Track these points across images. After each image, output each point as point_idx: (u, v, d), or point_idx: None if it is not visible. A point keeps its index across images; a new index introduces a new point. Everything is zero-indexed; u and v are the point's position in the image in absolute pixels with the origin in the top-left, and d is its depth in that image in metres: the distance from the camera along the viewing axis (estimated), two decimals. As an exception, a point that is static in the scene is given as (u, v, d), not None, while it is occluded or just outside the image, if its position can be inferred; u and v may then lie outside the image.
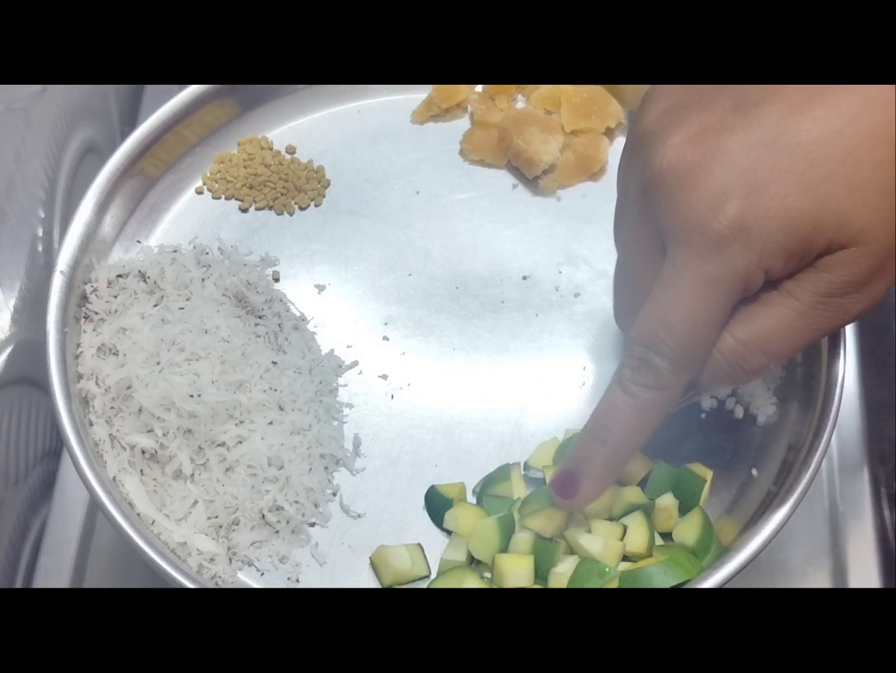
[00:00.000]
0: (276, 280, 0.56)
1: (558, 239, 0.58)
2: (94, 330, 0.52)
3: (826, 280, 0.42)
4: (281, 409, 0.51)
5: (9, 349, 0.59)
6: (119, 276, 0.53)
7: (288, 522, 0.50)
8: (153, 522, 0.49)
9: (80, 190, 0.57)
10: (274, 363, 0.51)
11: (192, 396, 0.48)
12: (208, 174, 0.59)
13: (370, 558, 0.50)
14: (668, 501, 0.49)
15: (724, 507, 0.51)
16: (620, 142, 0.60)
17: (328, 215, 0.59)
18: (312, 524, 0.51)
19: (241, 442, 0.50)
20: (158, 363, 0.49)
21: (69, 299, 0.51)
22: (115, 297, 0.53)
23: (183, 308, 0.51)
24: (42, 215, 0.64)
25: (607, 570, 0.47)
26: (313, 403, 0.52)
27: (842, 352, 0.51)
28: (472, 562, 0.49)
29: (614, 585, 0.47)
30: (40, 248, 0.64)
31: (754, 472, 0.51)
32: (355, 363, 0.54)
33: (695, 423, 0.53)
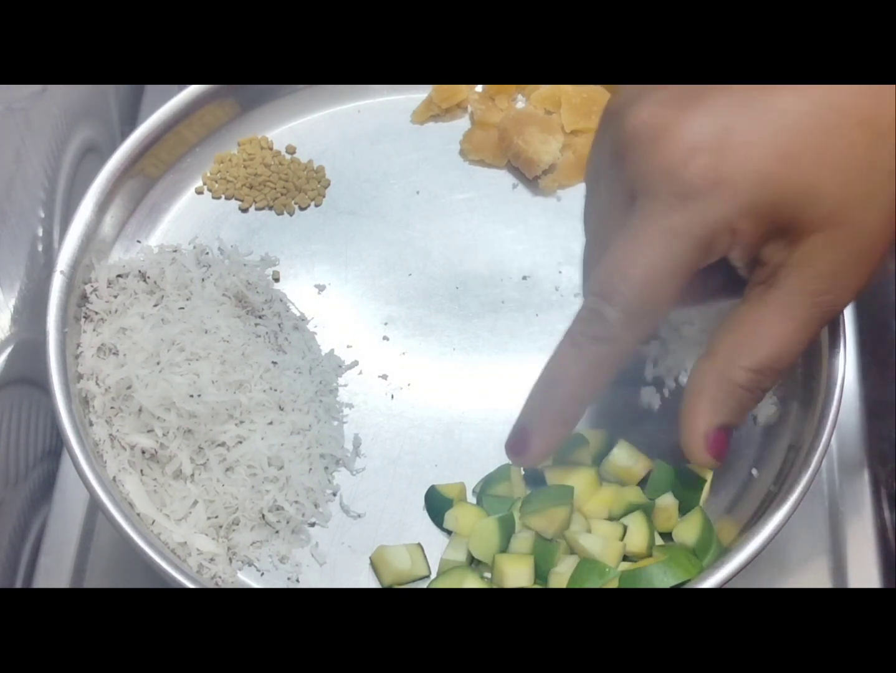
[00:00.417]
0: (276, 280, 0.56)
1: (558, 239, 0.58)
2: (94, 330, 0.52)
3: (810, 275, 0.41)
4: (281, 409, 0.51)
5: (9, 349, 0.59)
6: (119, 276, 0.53)
7: (288, 522, 0.50)
8: (153, 522, 0.49)
9: (80, 190, 0.57)
10: (274, 363, 0.52)
11: (192, 396, 0.48)
12: (208, 174, 0.59)
13: (370, 558, 0.50)
14: (668, 501, 0.49)
15: (724, 507, 0.51)
16: (620, 142, 0.60)
17: (328, 215, 0.59)
18: (312, 524, 0.51)
19: (241, 442, 0.50)
20: (158, 363, 0.49)
21: (69, 299, 0.51)
22: (115, 297, 0.53)
23: (183, 308, 0.51)
24: (42, 215, 0.64)
25: (607, 570, 0.47)
26: (313, 403, 0.52)
27: (842, 352, 0.51)
28: (472, 562, 0.49)
29: (614, 585, 0.47)
30: (40, 248, 0.64)
31: (754, 472, 0.51)
32: (355, 363, 0.54)
33: (695, 423, 0.53)
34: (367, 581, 0.50)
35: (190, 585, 0.46)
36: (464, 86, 0.61)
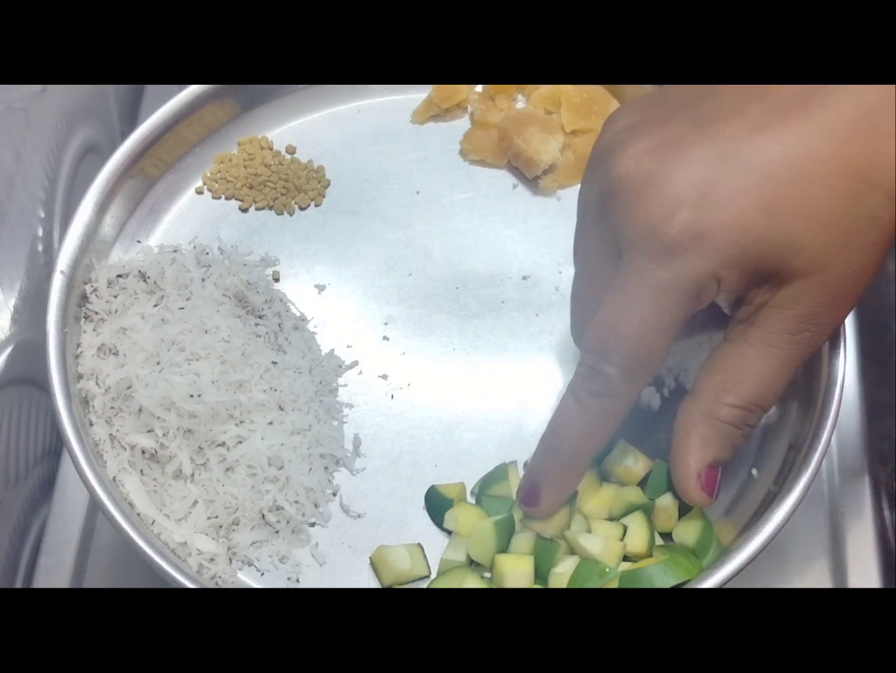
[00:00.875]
0: (276, 280, 0.56)
1: (558, 239, 0.58)
2: (94, 330, 0.52)
3: (792, 316, 0.42)
4: (281, 409, 0.51)
5: (9, 349, 0.59)
6: (119, 276, 0.53)
7: (288, 522, 0.50)
8: (153, 522, 0.49)
9: (80, 190, 0.57)
10: (274, 363, 0.52)
11: (192, 396, 0.49)
12: (208, 174, 0.59)
13: (370, 558, 0.50)
14: (668, 501, 0.49)
15: (723, 507, 0.51)
16: (620, 142, 0.60)
17: (328, 215, 0.59)
18: (312, 524, 0.51)
19: (241, 442, 0.50)
20: (158, 363, 0.49)
21: (69, 299, 0.51)
22: (116, 297, 0.53)
23: (183, 308, 0.51)
24: (42, 215, 0.64)
25: (607, 570, 0.47)
26: (313, 403, 0.52)
27: (842, 352, 0.51)
28: (472, 562, 0.49)
29: (614, 585, 0.47)
30: (40, 247, 0.64)
31: (754, 472, 0.51)
32: (355, 363, 0.54)
33: (695, 423, 0.53)
34: (367, 581, 0.50)
35: (190, 585, 0.46)
36: (464, 86, 0.61)
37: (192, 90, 0.57)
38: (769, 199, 0.41)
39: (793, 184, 0.41)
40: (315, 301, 0.56)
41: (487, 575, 0.49)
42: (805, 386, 0.52)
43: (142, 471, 0.50)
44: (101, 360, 0.51)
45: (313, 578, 0.50)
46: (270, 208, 0.59)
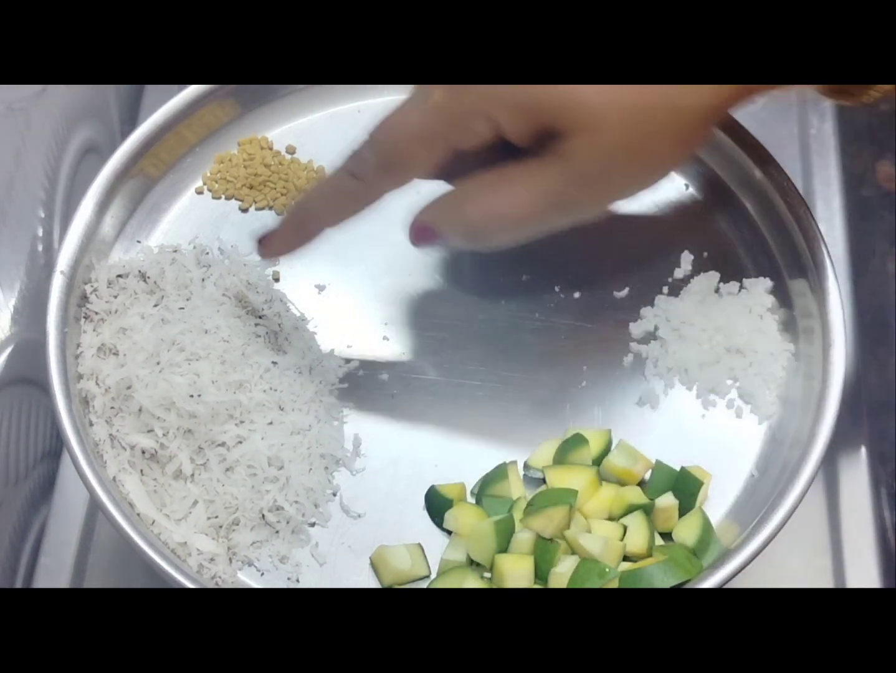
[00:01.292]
0: (276, 280, 0.56)
1: (558, 239, 0.58)
2: (94, 330, 0.52)
3: (563, 167, 0.44)
4: (281, 409, 0.51)
5: (9, 349, 0.59)
6: (119, 276, 0.53)
7: (288, 522, 0.50)
8: (153, 522, 0.49)
9: (80, 190, 0.57)
10: (274, 363, 0.52)
11: (192, 396, 0.49)
12: (208, 174, 0.59)
13: (370, 558, 0.50)
14: (667, 501, 0.49)
15: (724, 507, 0.51)
16: (620, 142, 0.60)
17: (328, 215, 0.59)
18: (312, 524, 0.51)
19: (241, 442, 0.50)
20: (158, 363, 0.49)
21: (69, 299, 0.51)
22: (116, 297, 0.53)
23: (183, 308, 0.51)
24: (42, 215, 0.64)
25: (607, 570, 0.47)
26: (313, 403, 0.52)
27: (842, 352, 0.51)
28: (472, 562, 0.49)
29: (614, 585, 0.47)
30: (40, 248, 0.64)
31: (755, 472, 0.51)
32: (355, 363, 0.54)
33: (695, 423, 0.53)
34: (367, 581, 0.50)
35: (190, 585, 0.46)
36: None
37: (192, 90, 0.57)
38: None
39: None
40: (315, 301, 0.56)
41: (487, 575, 0.49)
42: (805, 386, 0.52)
43: (142, 471, 0.50)
44: (101, 360, 0.51)
45: (313, 578, 0.50)
46: (270, 208, 0.59)
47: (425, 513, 0.51)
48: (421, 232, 0.49)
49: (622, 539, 0.49)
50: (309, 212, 0.49)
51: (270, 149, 0.60)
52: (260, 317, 0.53)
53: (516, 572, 0.47)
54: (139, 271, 0.53)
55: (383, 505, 0.51)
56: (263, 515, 0.50)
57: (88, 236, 0.53)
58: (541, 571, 0.48)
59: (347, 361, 0.54)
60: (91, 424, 0.50)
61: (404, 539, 0.50)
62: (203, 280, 0.53)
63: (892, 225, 0.67)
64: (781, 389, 0.53)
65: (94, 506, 0.57)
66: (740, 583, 0.46)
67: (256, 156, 0.59)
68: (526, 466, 0.52)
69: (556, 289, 0.56)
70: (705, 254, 0.57)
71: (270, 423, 0.50)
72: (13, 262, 0.61)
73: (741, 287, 0.55)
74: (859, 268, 0.67)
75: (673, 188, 0.58)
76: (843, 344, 0.51)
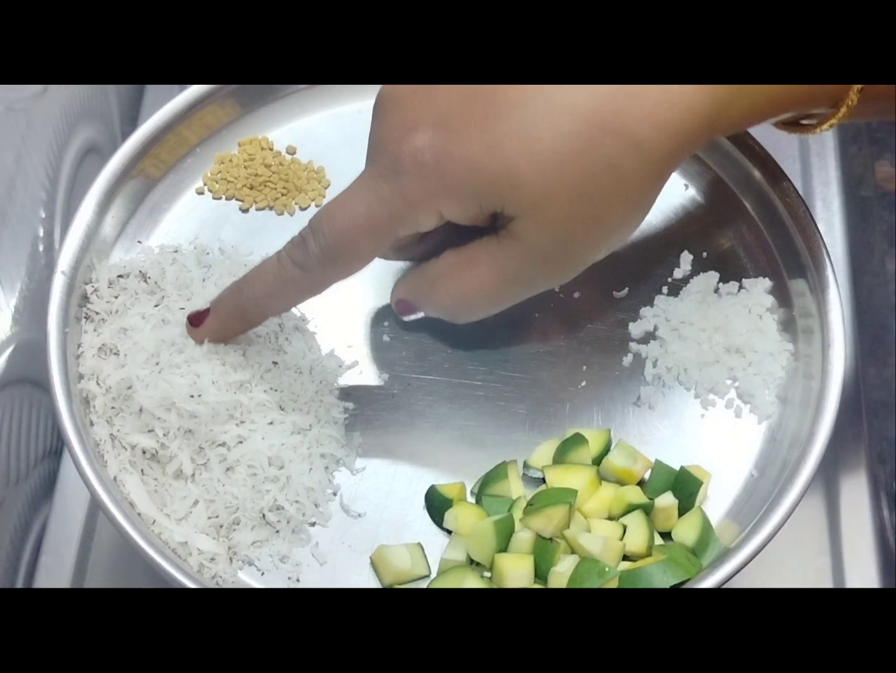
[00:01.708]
0: (277, 280, 0.56)
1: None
2: (94, 330, 0.52)
3: (519, 247, 0.45)
4: (281, 409, 0.51)
5: (10, 349, 0.59)
6: (120, 276, 0.53)
7: (288, 522, 0.50)
8: (154, 522, 0.49)
9: (80, 190, 0.57)
10: (275, 363, 0.52)
11: (192, 396, 0.49)
12: (209, 175, 0.59)
13: (370, 558, 0.50)
14: (667, 500, 0.49)
15: (724, 507, 0.51)
16: (620, 142, 0.60)
17: (328, 215, 0.59)
18: (313, 524, 0.51)
19: (241, 442, 0.50)
20: (158, 363, 0.49)
21: (70, 299, 0.51)
22: (116, 297, 0.53)
23: (184, 308, 0.51)
24: (43, 215, 0.64)
25: (607, 569, 0.47)
26: (314, 403, 0.52)
27: (841, 352, 0.51)
28: (472, 562, 0.49)
29: (614, 584, 0.47)
30: (41, 248, 0.64)
31: (754, 472, 0.51)
32: (355, 363, 0.54)
33: (694, 422, 0.53)
34: (367, 581, 0.50)
35: (190, 585, 0.46)
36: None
37: (192, 90, 0.57)
38: (496, 134, 0.42)
39: (522, 122, 0.42)
40: (315, 301, 0.56)
41: (487, 575, 0.49)
42: (804, 386, 0.52)
43: (142, 471, 0.50)
44: (102, 360, 0.51)
45: (313, 577, 0.50)
46: (271, 209, 0.59)
47: (425, 513, 0.51)
48: (402, 306, 0.51)
49: (622, 539, 0.49)
50: (250, 299, 0.48)
51: (271, 149, 0.60)
52: (260, 317, 0.53)
53: (516, 572, 0.47)
54: (140, 271, 0.53)
55: (383, 505, 0.51)
56: (264, 515, 0.50)
57: (89, 236, 0.53)
58: (541, 571, 0.48)
59: (347, 361, 0.54)
60: (92, 424, 0.50)
61: (404, 539, 0.50)
62: (204, 280, 0.53)
63: (892, 225, 0.67)
64: (781, 389, 0.53)
65: (95, 506, 0.57)
66: (740, 583, 0.46)
67: (257, 156, 0.59)
68: (526, 466, 0.52)
69: (556, 289, 0.56)
70: (705, 254, 0.57)
71: (271, 423, 0.50)
72: (14, 263, 0.61)
73: (740, 287, 0.55)
74: (858, 268, 0.67)
75: (673, 188, 0.58)
76: (842, 344, 0.51)
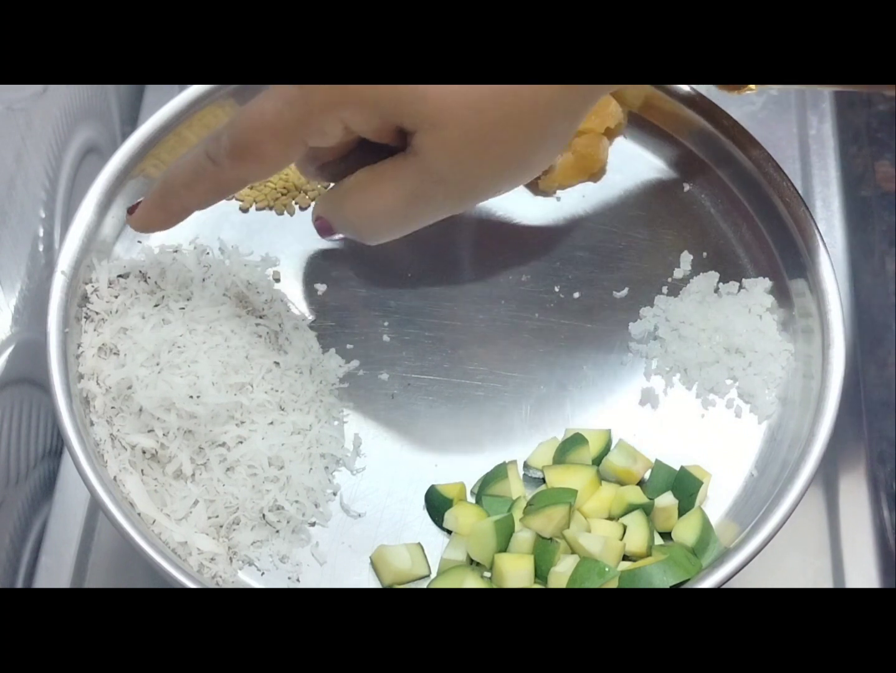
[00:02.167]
0: (277, 280, 0.56)
1: (558, 239, 0.58)
2: (94, 330, 0.52)
3: (418, 163, 0.46)
4: (282, 409, 0.51)
5: (9, 349, 0.59)
6: (120, 276, 0.53)
7: (288, 522, 0.50)
8: (154, 522, 0.49)
9: (80, 190, 0.57)
10: (276, 364, 0.52)
11: (191, 396, 0.49)
12: (209, 174, 0.59)
13: (370, 558, 0.50)
14: (667, 500, 0.49)
15: (724, 507, 0.51)
16: (620, 142, 0.60)
17: (328, 215, 0.59)
18: (313, 524, 0.51)
19: (241, 442, 0.50)
20: (158, 364, 0.49)
21: (70, 300, 0.51)
22: (116, 297, 0.53)
23: (184, 308, 0.51)
24: (43, 215, 0.64)
25: (607, 569, 0.47)
26: (314, 403, 0.52)
27: (841, 352, 0.51)
28: (472, 562, 0.49)
29: (614, 584, 0.47)
30: (41, 248, 0.64)
31: (754, 472, 0.51)
32: (355, 363, 0.54)
33: (694, 422, 0.53)
34: (367, 581, 0.50)
35: (191, 585, 0.46)
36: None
37: (192, 90, 0.57)
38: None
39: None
40: (315, 301, 0.56)
41: (487, 575, 0.49)
42: (804, 386, 0.52)
43: (142, 471, 0.50)
44: (102, 360, 0.51)
45: (313, 577, 0.50)
46: (270, 208, 0.59)
47: (425, 513, 0.51)
48: (320, 225, 0.52)
49: (622, 539, 0.49)
50: (171, 191, 0.50)
51: (271, 149, 0.60)
52: (260, 317, 0.53)
53: (516, 572, 0.47)
54: (140, 271, 0.53)
55: (383, 505, 0.51)
56: (264, 515, 0.50)
57: (89, 236, 0.53)
58: (541, 571, 0.48)
59: (347, 361, 0.54)
60: (92, 424, 0.50)
61: (404, 539, 0.50)
62: (203, 280, 0.53)
63: (892, 225, 0.67)
64: (781, 389, 0.53)
65: (95, 506, 0.57)
66: (739, 583, 0.46)
67: (257, 156, 0.59)
68: (526, 466, 0.52)
69: (556, 289, 0.56)
70: (704, 254, 0.57)
71: (271, 423, 0.51)
72: (14, 262, 0.61)
73: (740, 287, 0.55)
74: (858, 268, 0.67)
75: (673, 188, 0.59)
76: (842, 344, 0.51)
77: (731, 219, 0.58)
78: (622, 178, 0.59)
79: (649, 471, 0.51)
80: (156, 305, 0.52)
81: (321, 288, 0.56)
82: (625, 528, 0.49)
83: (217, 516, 0.49)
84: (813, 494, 0.59)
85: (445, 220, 0.58)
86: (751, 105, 0.53)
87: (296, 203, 0.59)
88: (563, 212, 0.59)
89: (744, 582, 0.49)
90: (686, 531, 0.49)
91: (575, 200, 0.59)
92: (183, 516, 0.49)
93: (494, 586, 0.48)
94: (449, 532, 0.50)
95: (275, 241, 0.58)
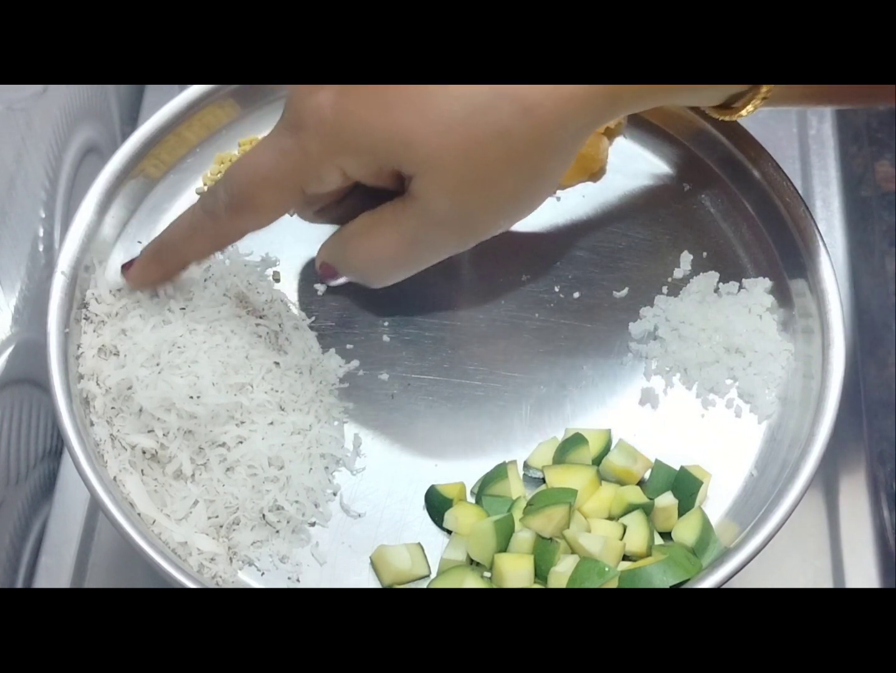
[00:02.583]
0: (277, 280, 0.56)
1: (558, 239, 0.58)
2: (94, 331, 0.52)
3: (417, 207, 0.46)
4: (282, 409, 0.51)
5: (10, 349, 0.59)
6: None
7: (288, 522, 0.50)
8: (154, 522, 0.49)
9: (80, 190, 0.57)
10: (276, 364, 0.52)
11: (191, 397, 0.49)
12: (209, 175, 0.59)
13: (370, 558, 0.50)
14: (667, 500, 0.49)
15: (724, 507, 0.51)
16: (620, 142, 0.60)
17: (328, 215, 0.59)
18: (313, 524, 0.51)
19: (241, 442, 0.50)
20: (158, 364, 0.49)
21: (70, 300, 0.51)
22: (116, 297, 0.53)
23: (184, 309, 0.51)
24: (43, 215, 0.64)
25: (607, 569, 0.47)
26: (314, 403, 0.52)
27: (841, 352, 0.51)
28: (472, 562, 0.49)
29: (614, 584, 0.47)
30: (41, 248, 0.64)
31: (754, 472, 0.51)
32: (355, 363, 0.54)
33: (694, 422, 0.53)
34: (367, 581, 0.50)
35: (191, 585, 0.46)
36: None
37: (192, 90, 0.57)
38: (393, 97, 0.44)
39: (419, 89, 0.44)
40: (315, 301, 0.56)
41: (487, 575, 0.49)
42: (804, 386, 0.52)
43: (142, 471, 0.50)
44: (102, 360, 0.51)
45: (313, 577, 0.50)
46: (271, 208, 0.59)
47: (425, 513, 0.51)
48: (324, 272, 0.51)
49: (622, 538, 0.49)
50: (168, 247, 0.50)
51: (271, 149, 0.60)
52: (260, 317, 0.53)
53: (516, 572, 0.47)
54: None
55: (383, 505, 0.51)
56: (264, 515, 0.50)
57: (89, 236, 0.53)
58: (541, 571, 0.48)
59: (347, 361, 0.54)
60: (92, 424, 0.50)
61: (404, 539, 0.50)
62: (204, 280, 0.53)
63: (892, 225, 0.67)
64: (781, 389, 0.53)
65: (95, 506, 0.57)
66: (739, 583, 0.46)
67: (257, 156, 0.59)
68: (526, 466, 0.52)
69: (556, 289, 0.56)
70: (705, 254, 0.57)
71: (271, 423, 0.51)
72: (14, 263, 0.61)
73: (740, 287, 0.55)
74: (858, 268, 0.67)
75: (673, 188, 0.59)
76: (842, 343, 0.51)
77: (731, 219, 0.58)
78: (622, 178, 0.59)
79: (649, 471, 0.51)
80: (156, 306, 0.52)
81: (321, 288, 0.56)
82: (625, 528, 0.49)
83: (217, 516, 0.49)
84: (813, 494, 0.59)
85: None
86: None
87: (296, 203, 0.59)
88: (563, 212, 0.59)
89: (744, 582, 0.49)
90: (686, 531, 0.49)
91: (575, 200, 0.59)
92: (183, 516, 0.49)
93: (494, 586, 0.48)
94: (449, 532, 0.50)
95: (275, 241, 0.58)
